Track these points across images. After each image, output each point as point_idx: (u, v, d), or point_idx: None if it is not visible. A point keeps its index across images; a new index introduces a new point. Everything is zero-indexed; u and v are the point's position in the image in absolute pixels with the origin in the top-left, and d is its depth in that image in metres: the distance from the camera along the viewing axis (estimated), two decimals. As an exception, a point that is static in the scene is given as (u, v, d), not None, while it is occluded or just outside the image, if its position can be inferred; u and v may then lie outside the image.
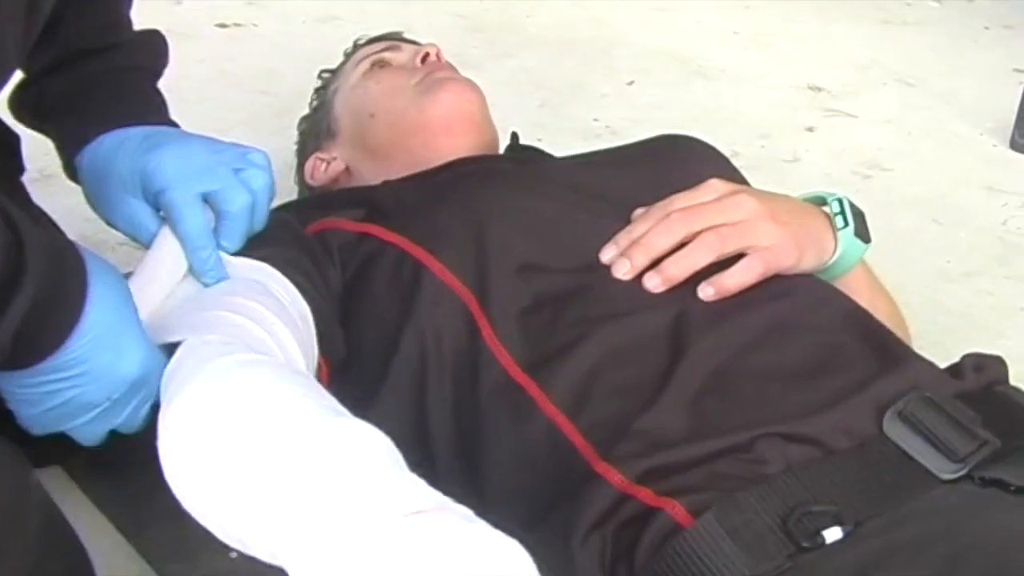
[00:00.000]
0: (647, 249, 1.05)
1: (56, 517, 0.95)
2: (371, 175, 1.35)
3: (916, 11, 2.61)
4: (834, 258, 1.12)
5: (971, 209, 1.83)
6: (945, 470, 0.86)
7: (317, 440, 0.76)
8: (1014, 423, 0.92)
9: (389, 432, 1.04)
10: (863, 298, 1.14)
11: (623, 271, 1.05)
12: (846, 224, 1.13)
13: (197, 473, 0.79)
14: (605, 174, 1.20)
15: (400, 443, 1.03)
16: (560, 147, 1.85)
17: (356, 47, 1.53)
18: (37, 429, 0.90)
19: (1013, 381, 1.43)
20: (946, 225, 1.78)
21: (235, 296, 0.98)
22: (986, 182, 1.90)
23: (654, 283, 1.04)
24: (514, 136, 1.46)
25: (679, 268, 1.04)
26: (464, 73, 1.43)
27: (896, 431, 0.89)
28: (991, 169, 1.94)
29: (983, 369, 1.00)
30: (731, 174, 1.25)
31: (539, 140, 1.88)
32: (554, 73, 2.07)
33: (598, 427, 0.93)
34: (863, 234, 1.14)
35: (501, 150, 1.46)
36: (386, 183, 1.27)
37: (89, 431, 0.92)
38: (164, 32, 1.24)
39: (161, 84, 1.31)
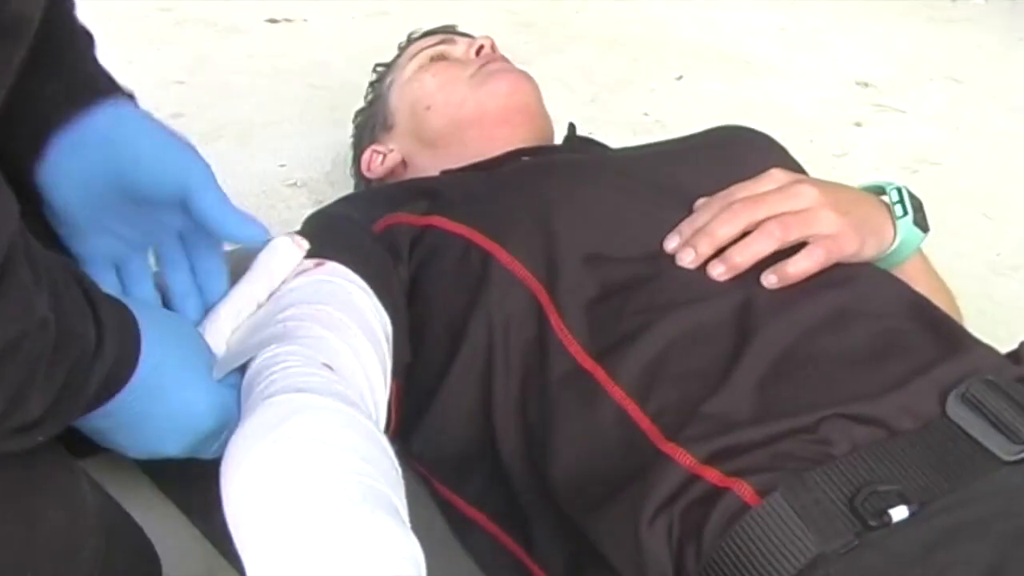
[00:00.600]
0: (711, 238, 1.06)
1: (118, 526, 0.95)
2: (428, 167, 1.37)
3: (962, 9, 2.61)
4: (894, 246, 1.13)
5: (1020, 204, 1.83)
6: (1008, 451, 0.87)
7: (346, 543, 0.73)
8: None
9: (454, 420, 1.06)
10: (921, 286, 1.14)
11: (688, 259, 1.06)
12: (905, 213, 1.13)
13: (236, 516, 0.77)
14: (664, 164, 1.21)
15: (463, 429, 1.06)
16: (612, 141, 1.86)
17: (410, 40, 1.55)
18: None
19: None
20: (995, 219, 1.78)
21: (326, 305, 0.97)
22: (1033, 180, 1.90)
23: (719, 271, 1.05)
24: (571, 127, 1.47)
25: (744, 256, 1.05)
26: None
27: (959, 413, 0.90)
28: (1040, 165, 1.94)
29: None
30: (790, 164, 1.26)
31: (590, 134, 1.90)
32: (603, 68, 2.08)
33: (666, 411, 0.94)
34: (921, 223, 1.15)
35: (557, 141, 1.47)
36: (447, 173, 1.29)
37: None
38: (214, 27, 1.23)
39: (211, 79, 1.31)
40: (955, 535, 0.81)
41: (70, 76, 0.90)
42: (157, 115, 1.00)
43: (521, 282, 1.06)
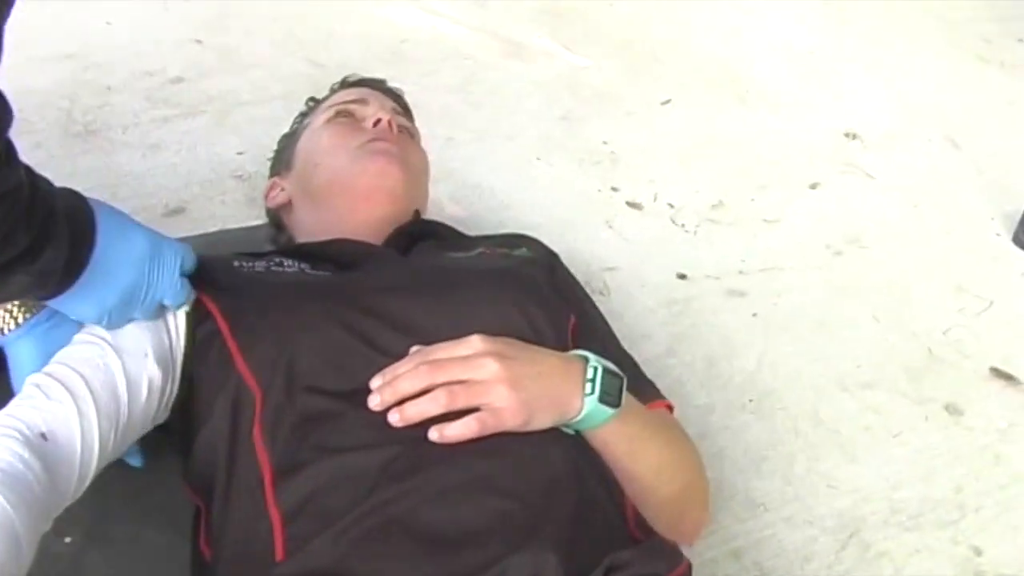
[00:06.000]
0: (395, 390, 1.20)
1: None
2: (304, 216, 1.52)
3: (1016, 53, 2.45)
4: (578, 418, 1.25)
5: (924, 308, 1.82)
6: None
7: None
8: None
9: (206, 452, 1.23)
10: (619, 450, 1.26)
11: (374, 403, 1.21)
12: (592, 392, 1.24)
13: None
14: (418, 306, 1.30)
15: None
16: (559, 171, 1.92)
17: (343, 85, 1.69)
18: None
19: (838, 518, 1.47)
20: (883, 323, 1.78)
21: (78, 370, 1.17)
22: (957, 280, 1.87)
23: (395, 419, 1.19)
24: (416, 214, 1.59)
25: (413, 412, 1.19)
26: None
27: None
28: (975, 264, 1.90)
29: None
30: (552, 290, 1.39)
31: (538, 159, 1.98)
32: (595, 78, 2.08)
33: (294, 543, 1.10)
34: (611, 401, 1.25)
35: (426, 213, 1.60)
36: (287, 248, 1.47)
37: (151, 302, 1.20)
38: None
39: (226, 41, 1.73)
40: None
41: None
42: (161, 76, 1.52)
43: (247, 385, 1.23)
